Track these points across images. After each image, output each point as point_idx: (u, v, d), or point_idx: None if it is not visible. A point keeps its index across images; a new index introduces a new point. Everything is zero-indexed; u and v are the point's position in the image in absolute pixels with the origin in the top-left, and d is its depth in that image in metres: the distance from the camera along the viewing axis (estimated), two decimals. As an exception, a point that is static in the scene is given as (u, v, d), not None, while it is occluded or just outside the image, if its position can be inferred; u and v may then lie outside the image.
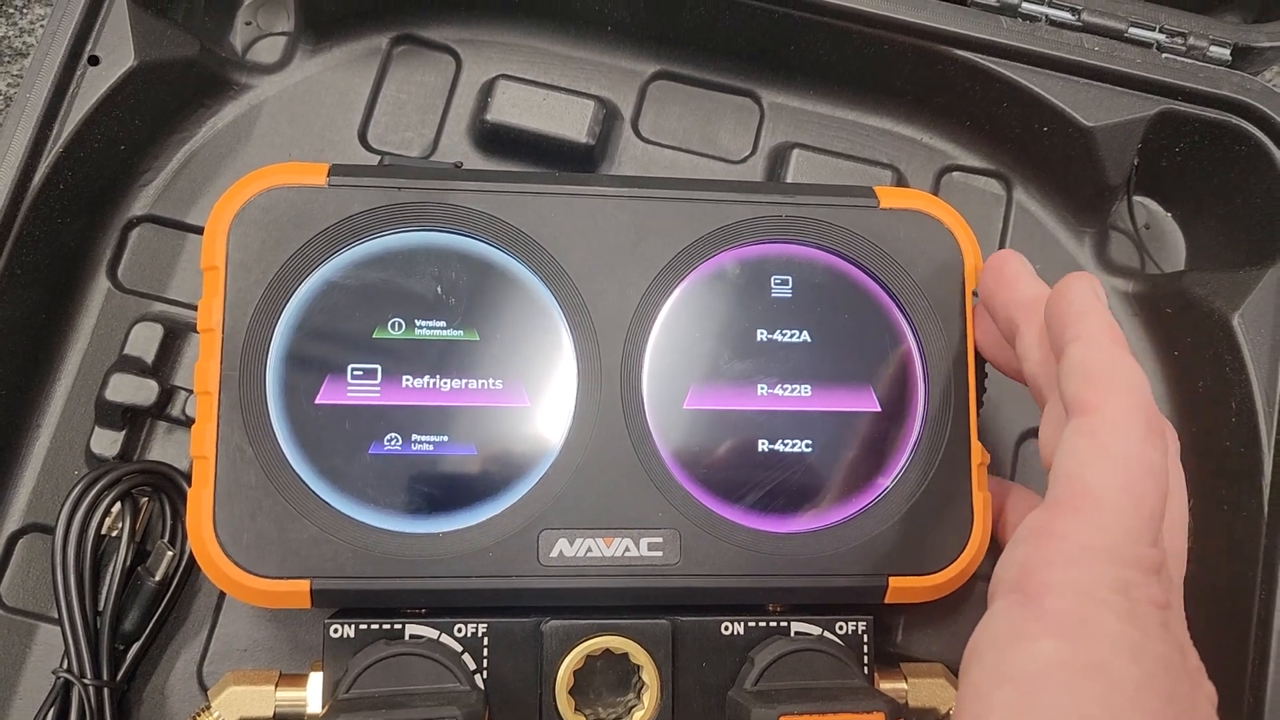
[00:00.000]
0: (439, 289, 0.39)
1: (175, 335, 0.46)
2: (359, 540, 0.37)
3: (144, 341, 0.45)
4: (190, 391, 0.45)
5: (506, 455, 0.39)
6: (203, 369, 0.38)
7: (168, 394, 0.45)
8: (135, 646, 0.43)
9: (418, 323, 0.39)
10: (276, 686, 0.39)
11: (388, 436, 0.38)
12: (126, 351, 0.45)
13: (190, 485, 0.38)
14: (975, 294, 0.41)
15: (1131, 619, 0.29)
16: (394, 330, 0.39)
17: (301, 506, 0.37)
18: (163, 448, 0.46)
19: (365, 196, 0.39)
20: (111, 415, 0.44)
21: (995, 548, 0.41)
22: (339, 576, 0.37)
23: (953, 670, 0.42)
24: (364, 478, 0.38)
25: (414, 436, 0.38)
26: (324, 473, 0.38)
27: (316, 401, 0.38)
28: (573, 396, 0.39)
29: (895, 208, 0.42)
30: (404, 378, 0.39)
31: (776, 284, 0.41)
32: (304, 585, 0.37)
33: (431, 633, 0.38)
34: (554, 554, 0.38)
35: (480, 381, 0.39)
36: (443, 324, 0.39)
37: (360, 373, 0.38)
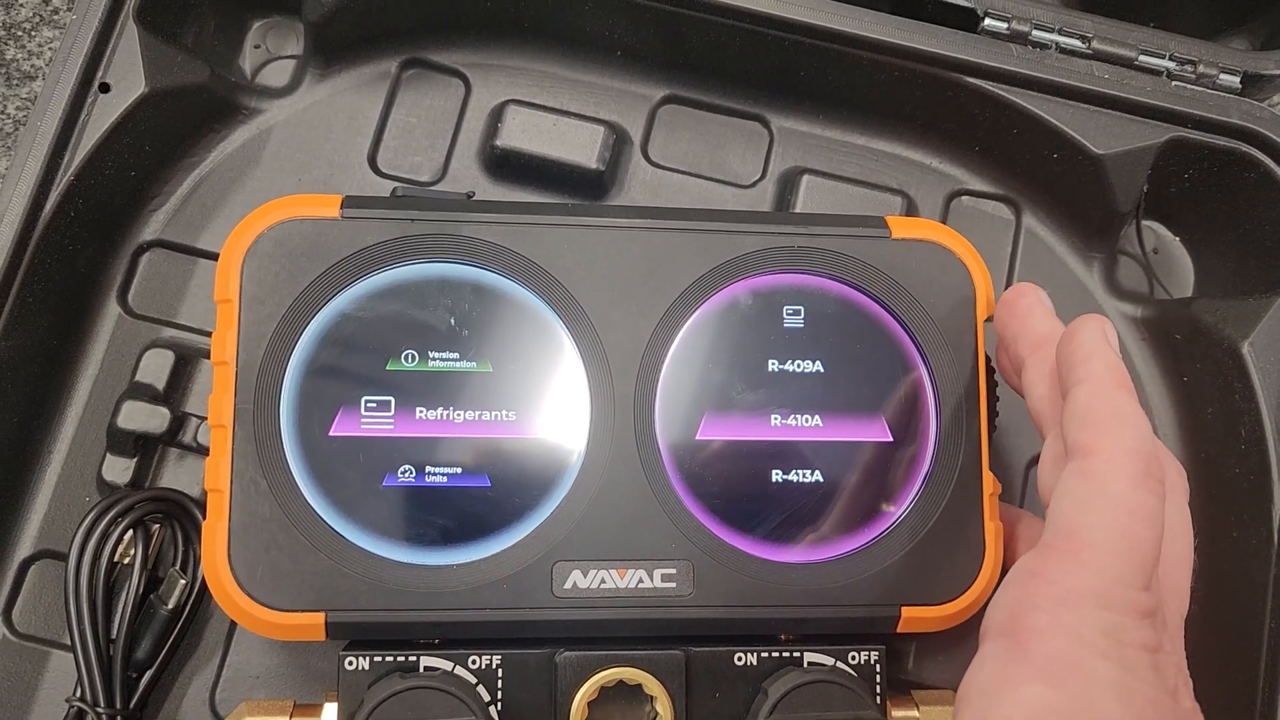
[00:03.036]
0: (452, 321, 0.39)
1: (186, 361, 0.46)
2: (373, 573, 0.37)
3: (155, 368, 0.45)
4: (202, 418, 0.45)
5: (520, 487, 0.39)
6: (216, 402, 0.38)
7: (179, 421, 0.45)
8: (148, 674, 0.43)
9: (431, 354, 0.39)
10: (291, 717, 0.39)
11: (401, 468, 0.38)
12: (138, 378, 0.45)
13: (204, 515, 0.38)
14: (989, 321, 0.41)
15: (1120, 663, 0.29)
16: (407, 362, 0.39)
17: (316, 539, 0.37)
18: (174, 474, 0.46)
19: (378, 228, 0.39)
20: (123, 442, 0.44)
21: (1006, 577, 0.41)
22: (353, 609, 0.37)
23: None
24: (378, 510, 0.38)
25: (427, 468, 0.38)
26: (338, 505, 0.38)
27: (330, 434, 0.38)
28: (586, 428, 0.39)
29: (907, 238, 0.42)
30: (417, 409, 0.39)
31: (789, 314, 0.41)
32: (319, 618, 0.37)
33: (446, 664, 0.38)
34: (568, 585, 0.38)
35: (494, 413, 0.39)
36: (456, 355, 0.39)
37: (374, 404, 0.39)
